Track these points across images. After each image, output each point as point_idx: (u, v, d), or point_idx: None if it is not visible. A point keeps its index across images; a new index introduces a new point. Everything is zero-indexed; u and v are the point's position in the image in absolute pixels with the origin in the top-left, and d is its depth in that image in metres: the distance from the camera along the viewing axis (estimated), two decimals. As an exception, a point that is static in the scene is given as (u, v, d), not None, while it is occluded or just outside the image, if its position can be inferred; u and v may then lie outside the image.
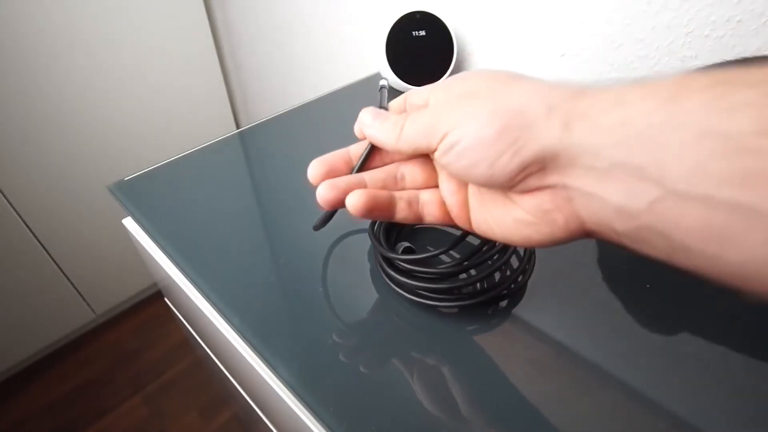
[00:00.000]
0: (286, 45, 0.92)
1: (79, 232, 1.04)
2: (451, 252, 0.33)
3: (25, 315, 1.04)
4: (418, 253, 0.30)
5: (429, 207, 0.25)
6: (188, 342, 0.71)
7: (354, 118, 0.25)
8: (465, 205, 0.23)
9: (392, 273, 0.30)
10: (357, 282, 0.32)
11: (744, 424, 0.23)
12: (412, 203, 0.25)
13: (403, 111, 0.25)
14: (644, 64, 0.45)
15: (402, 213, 0.25)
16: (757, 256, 0.13)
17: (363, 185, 0.25)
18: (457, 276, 0.29)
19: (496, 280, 0.31)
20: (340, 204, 0.24)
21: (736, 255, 0.13)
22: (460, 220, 0.24)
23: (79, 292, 1.11)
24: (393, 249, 0.32)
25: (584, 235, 0.18)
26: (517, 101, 0.18)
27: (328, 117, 0.52)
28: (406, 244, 0.32)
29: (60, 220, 1.01)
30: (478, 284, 0.30)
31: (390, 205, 0.24)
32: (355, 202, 0.23)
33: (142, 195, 0.41)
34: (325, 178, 0.25)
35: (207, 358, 0.52)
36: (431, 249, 0.31)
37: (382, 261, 0.31)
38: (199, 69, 1.09)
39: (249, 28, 0.99)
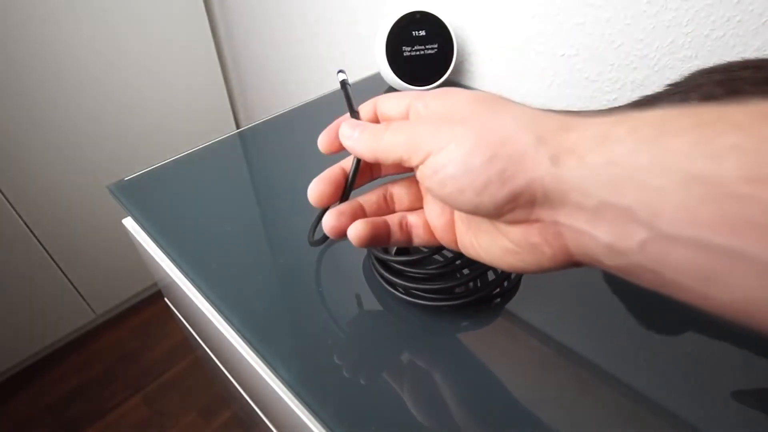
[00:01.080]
0: (286, 45, 0.92)
1: (79, 232, 1.04)
2: (444, 252, 0.33)
3: (25, 315, 1.04)
4: (412, 253, 0.30)
5: (416, 229, 0.25)
6: (188, 342, 0.71)
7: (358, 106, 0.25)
8: (451, 227, 0.24)
9: (386, 274, 0.30)
10: (355, 282, 0.32)
11: (744, 424, 0.23)
12: (402, 225, 0.25)
13: (374, 117, 0.25)
14: (644, 64, 0.45)
15: (395, 236, 0.25)
16: (748, 298, 0.13)
17: (362, 210, 0.25)
18: (450, 275, 0.29)
19: (489, 279, 0.31)
20: (345, 232, 0.25)
21: (725, 294, 0.13)
22: (446, 242, 0.24)
23: (79, 292, 1.11)
24: (386, 249, 0.32)
25: (572, 265, 0.18)
26: (504, 129, 0.18)
27: (328, 117, 0.52)
28: None
29: (60, 220, 1.00)
30: (471, 283, 0.30)
31: (387, 232, 0.25)
32: (357, 233, 0.24)
33: (142, 195, 0.41)
34: (329, 196, 0.25)
35: (207, 358, 0.52)
36: (425, 249, 0.31)
37: (375, 262, 0.31)
38: (199, 69, 1.09)
39: (249, 28, 0.99)
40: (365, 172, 0.26)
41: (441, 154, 0.18)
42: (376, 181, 0.27)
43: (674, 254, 0.14)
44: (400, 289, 0.30)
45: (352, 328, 0.29)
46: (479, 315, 0.30)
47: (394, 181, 0.27)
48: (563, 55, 0.50)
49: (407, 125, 0.21)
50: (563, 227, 0.17)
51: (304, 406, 0.26)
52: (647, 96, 0.36)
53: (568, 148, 0.16)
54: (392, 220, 0.25)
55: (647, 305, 0.29)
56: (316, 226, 0.34)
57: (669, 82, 0.35)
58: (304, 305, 0.31)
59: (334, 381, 0.26)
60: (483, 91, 0.21)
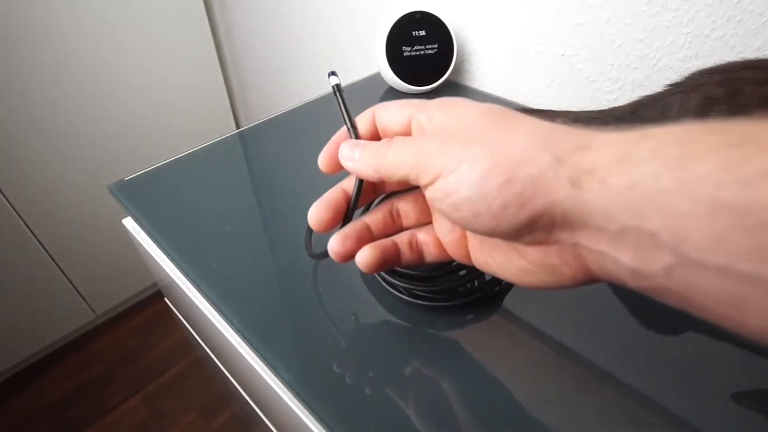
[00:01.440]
0: (286, 45, 0.92)
1: (79, 232, 1.04)
2: None
3: (25, 315, 1.04)
4: None
5: (427, 247, 0.24)
6: (188, 342, 0.71)
7: (354, 118, 0.25)
8: (463, 243, 0.23)
9: (384, 275, 0.30)
10: (354, 283, 0.32)
11: (744, 424, 0.23)
12: (412, 245, 0.24)
13: (372, 128, 0.23)
14: (644, 64, 0.45)
15: (405, 257, 0.24)
16: None
17: (368, 231, 0.24)
18: (449, 276, 0.29)
19: (487, 279, 0.31)
20: (352, 256, 0.24)
21: (756, 320, 0.13)
22: (459, 257, 0.23)
23: (79, 292, 1.11)
24: None
25: (591, 283, 0.18)
26: (519, 148, 0.17)
27: (328, 117, 0.52)
28: None
29: (60, 220, 1.00)
30: (469, 284, 0.30)
31: (396, 253, 0.24)
32: (366, 261, 0.23)
33: (142, 195, 0.41)
34: (330, 221, 0.24)
35: (207, 358, 0.52)
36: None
37: None
38: (199, 69, 1.09)
39: (249, 28, 0.99)
40: (368, 191, 0.25)
41: (453, 176, 0.17)
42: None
43: (703, 280, 0.13)
44: (401, 290, 0.30)
45: (351, 328, 0.29)
46: (479, 315, 0.30)
47: (399, 197, 0.26)
48: (563, 55, 0.50)
49: (412, 142, 0.20)
50: (584, 249, 0.16)
51: (304, 406, 0.26)
52: (648, 96, 0.36)
53: (588, 169, 0.15)
54: (401, 239, 0.24)
55: (647, 305, 0.29)
56: (309, 238, 0.34)
57: (669, 82, 0.35)
58: (304, 305, 0.31)
59: (334, 381, 0.26)
60: (489, 103, 0.20)
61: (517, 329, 0.29)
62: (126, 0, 0.92)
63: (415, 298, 0.30)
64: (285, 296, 0.32)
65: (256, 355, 0.29)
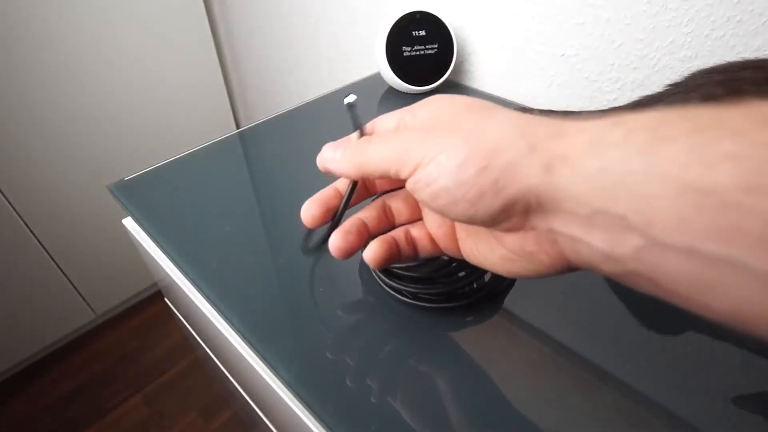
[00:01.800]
0: (286, 45, 0.92)
1: (79, 232, 1.04)
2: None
3: (25, 315, 1.04)
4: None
5: (421, 241, 0.25)
6: (188, 342, 0.71)
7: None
8: (452, 236, 0.24)
9: (383, 277, 0.30)
10: (354, 282, 0.32)
11: (744, 424, 0.23)
12: (408, 239, 0.25)
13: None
14: (644, 64, 0.45)
15: (404, 252, 0.25)
16: (745, 306, 0.13)
17: (365, 227, 0.25)
18: (447, 277, 0.29)
19: (486, 280, 0.31)
20: (354, 252, 0.24)
21: (723, 303, 0.13)
22: (450, 251, 0.24)
23: (79, 292, 1.11)
24: None
25: (569, 270, 0.18)
26: (495, 137, 0.17)
27: (328, 117, 0.52)
28: None
29: (60, 220, 1.00)
30: (467, 287, 0.30)
31: (397, 248, 0.25)
32: (375, 255, 0.24)
33: (142, 195, 0.41)
34: (323, 218, 0.25)
35: (207, 358, 0.52)
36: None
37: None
38: (199, 69, 1.09)
39: (249, 28, 0.99)
40: (360, 191, 0.26)
41: (431, 165, 0.18)
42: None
43: (670, 262, 0.13)
44: (401, 292, 0.30)
45: (351, 328, 0.29)
46: (479, 316, 0.30)
47: (390, 194, 0.27)
48: (563, 55, 0.50)
49: (392, 136, 0.20)
50: (558, 235, 0.17)
51: (304, 406, 0.26)
52: (648, 96, 0.36)
53: (561, 155, 0.16)
54: (398, 235, 0.25)
55: (648, 305, 0.29)
56: (308, 235, 0.34)
57: (669, 82, 0.35)
58: (304, 305, 0.31)
59: (334, 381, 0.26)
60: (471, 97, 0.20)
61: (517, 329, 0.29)
62: (126, 0, 0.92)
63: (415, 300, 0.29)
64: (285, 296, 0.32)
65: (256, 355, 0.29)
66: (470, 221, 0.18)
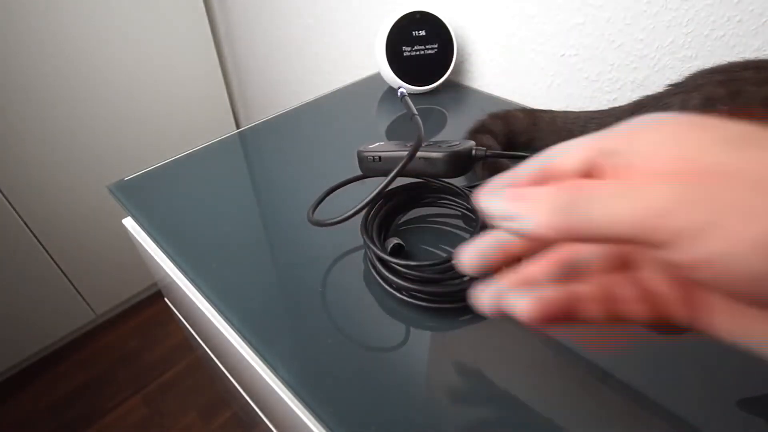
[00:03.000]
0: (286, 45, 0.92)
1: (79, 232, 1.04)
2: (439, 252, 0.32)
3: (25, 315, 1.04)
4: (407, 249, 0.30)
5: (627, 304, 0.17)
6: (188, 342, 0.71)
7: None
8: (694, 299, 0.17)
9: (386, 273, 0.30)
10: (354, 282, 0.32)
11: (743, 424, 0.23)
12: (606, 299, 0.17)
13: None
14: (644, 64, 0.45)
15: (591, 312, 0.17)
16: None
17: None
18: (447, 279, 0.29)
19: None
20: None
21: None
22: (681, 317, 0.17)
23: (79, 292, 1.11)
24: (383, 246, 0.32)
25: None
26: None
27: (328, 117, 0.52)
28: (396, 240, 0.32)
29: (60, 220, 1.01)
30: (467, 288, 0.30)
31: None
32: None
33: (142, 195, 0.41)
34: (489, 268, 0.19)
35: (207, 358, 0.52)
36: (422, 245, 0.31)
37: (375, 261, 0.31)
38: (199, 69, 1.09)
39: (249, 28, 0.99)
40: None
41: (714, 238, 0.12)
42: None
43: None
44: (402, 292, 0.30)
45: (352, 328, 0.29)
46: (479, 316, 0.29)
47: None
48: (563, 55, 0.50)
49: (623, 188, 0.13)
50: None
51: (304, 406, 0.26)
52: (648, 96, 0.36)
53: None
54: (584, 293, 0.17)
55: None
56: (317, 206, 0.33)
57: (669, 82, 0.35)
58: (304, 305, 0.31)
59: (335, 381, 0.26)
60: (700, 117, 0.14)
61: (518, 329, 0.29)
62: (127, 1, 0.92)
63: (416, 300, 0.29)
64: (285, 296, 0.32)
65: (256, 355, 0.29)
66: None
